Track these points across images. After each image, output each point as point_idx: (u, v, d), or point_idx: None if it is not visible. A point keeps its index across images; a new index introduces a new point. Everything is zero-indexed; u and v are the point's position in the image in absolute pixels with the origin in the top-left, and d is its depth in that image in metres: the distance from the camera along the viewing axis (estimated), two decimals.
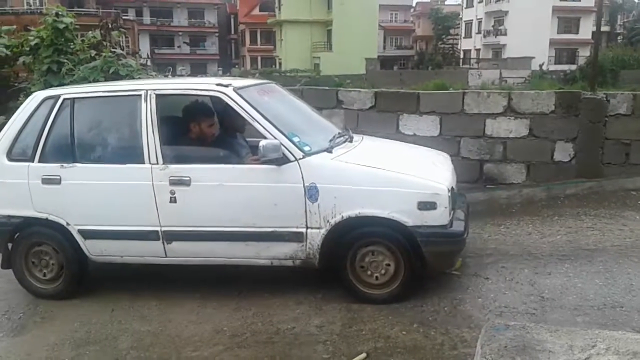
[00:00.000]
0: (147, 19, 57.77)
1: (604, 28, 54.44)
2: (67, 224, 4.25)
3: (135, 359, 3.51)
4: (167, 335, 3.78)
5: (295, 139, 3.99)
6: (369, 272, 4.02)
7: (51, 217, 4.27)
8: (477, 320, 3.69)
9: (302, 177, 3.89)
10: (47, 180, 4.22)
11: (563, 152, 6.43)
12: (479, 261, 4.69)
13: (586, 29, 50.71)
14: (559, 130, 6.38)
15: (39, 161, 4.26)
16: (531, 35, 44.78)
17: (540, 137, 6.41)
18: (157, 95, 4.15)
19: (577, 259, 4.63)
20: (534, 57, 35.77)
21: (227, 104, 4.10)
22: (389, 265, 3.98)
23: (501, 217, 5.87)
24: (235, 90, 4.10)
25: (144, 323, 3.96)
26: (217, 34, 62.37)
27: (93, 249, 4.29)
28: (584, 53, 44.25)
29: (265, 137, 3.92)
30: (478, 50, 53.55)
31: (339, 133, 4.52)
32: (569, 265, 4.51)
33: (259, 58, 57.19)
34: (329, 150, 4.09)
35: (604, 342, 1.50)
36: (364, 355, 3.38)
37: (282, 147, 3.86)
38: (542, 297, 4.01)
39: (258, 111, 4.03)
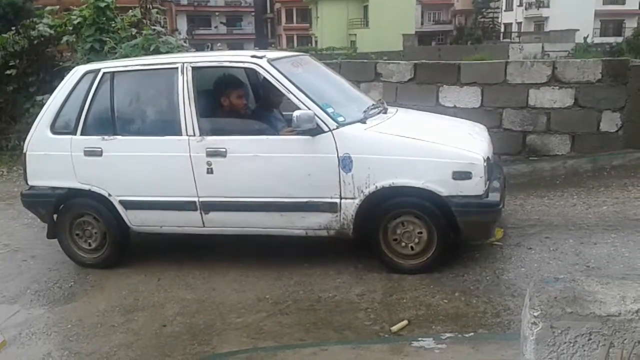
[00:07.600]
0: None
1: None
2: (109, 194, 4.35)
3: (182, 325, 3.61)
4: (211, 303, 3.87)
5: (329, 110, 3.99)
6: (402, 243, 4.01)
7: (94, 188, 4.37)
8: (521, 289, 3.64)
9: (336, 148, 3.89)
10: (89, 152, 4.33)
11: (610, 122, 6.22)
12: (521, 232, 4.62)
13: None
14: (606, 100, 6.16)
15: (81, 134, 4.36)
16: (575, 6, 43.14)
17: (586, 107, 6.22)
18: (193, 68, 4.19)
19: (624, 229, 4.52)
20: (578, 30, 34.60)
21: (261, 75, 4.13)
22: (421, 233, 3.95)
23: (545, 188, 5.75)
24: (269, 61, 4.11)
25: (189, 291, 4.06)
26: (253, 14, 61.82)
27: (134, 219, 4.40)
28: (631, 24, 42.39)
29: (299, 108, 3.92)
30: (519, 23, 52.02)
31: (373, 104, 4.49)
32: (616, 236, 4.41)
33: (295, 37, 56.89)
34: (362, 121, 4.07)
35: None
36: (405, 322, 3.40)
37: (316, 118, 3.86)
38: (587, 266, 3.94)
39: (292, 82, 4.03)
